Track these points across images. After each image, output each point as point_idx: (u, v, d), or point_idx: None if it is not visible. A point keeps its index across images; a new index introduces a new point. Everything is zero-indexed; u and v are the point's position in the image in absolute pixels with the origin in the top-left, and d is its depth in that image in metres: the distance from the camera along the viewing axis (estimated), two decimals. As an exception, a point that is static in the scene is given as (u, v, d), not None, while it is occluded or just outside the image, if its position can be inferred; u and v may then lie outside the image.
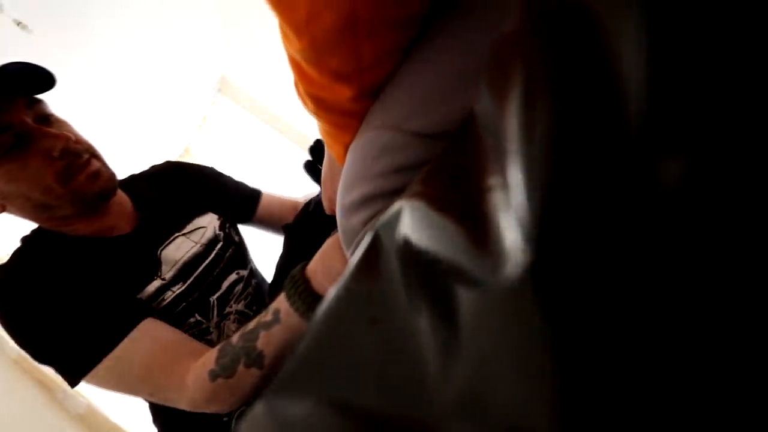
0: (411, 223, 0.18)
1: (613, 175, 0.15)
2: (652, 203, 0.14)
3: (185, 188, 0.89)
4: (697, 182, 0.14)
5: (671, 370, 0.14)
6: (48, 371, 1.83)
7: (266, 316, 0.64)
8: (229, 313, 0.82)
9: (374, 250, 0.19)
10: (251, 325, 0.65)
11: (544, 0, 0.17)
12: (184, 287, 0.77)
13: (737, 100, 0.13)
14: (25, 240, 0.74)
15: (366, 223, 0.42)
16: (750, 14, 0.12)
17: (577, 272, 0.15)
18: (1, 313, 0.66)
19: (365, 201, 0.41)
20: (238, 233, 0.94)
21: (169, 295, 0.75)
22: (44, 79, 0.69)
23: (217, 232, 0.87)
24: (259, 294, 0.90)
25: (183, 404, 0.67)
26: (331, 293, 0.22)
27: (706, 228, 0.13)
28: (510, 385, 0.15)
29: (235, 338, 0.65)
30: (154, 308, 0.74)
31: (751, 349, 0.13)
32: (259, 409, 0.21)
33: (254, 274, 0.93)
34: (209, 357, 0.66)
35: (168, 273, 0.76)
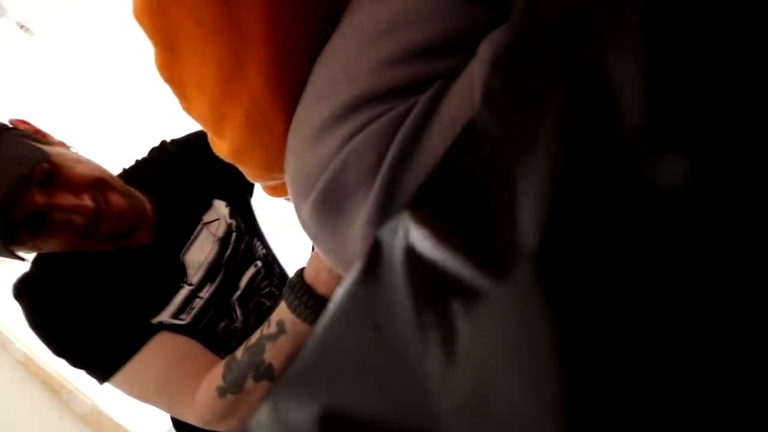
0: (415, 231, 0.18)
1: (615, 179, 0.15)
2: (653, 207, 0.14)
3: (190, 177, 0.81)
4: (694, 185, 0.14)
5: (675, 373, 0.14)
6: (53, 372, 1.84)
7: (269, 327, 0.62)
8: (252, 308, 0.80)
9: (376, 256, 0.20)
10: (254, 338, 0.64)
11: (544, 11, 0.17)
12: (212, 289, 0.75)
13: (734, 103, 0.13)
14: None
15: (344, 143, 0.30)
16: (742, 20, 0.13)
17: (583, 275, 0.15)
18: (32, 321, 0.65)
19: (348, 110, 0.30)
20: (248, 217, 0.88)
21: (198, 303, 0.73)
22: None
23: (229, 221, 0.81)
24: (279, 281, 0.87)
25: (193, 421, 0.67)
26: (335, 298, 0.22)
27: (706, 232, 0.14)
28: (513, 389, 0.16)
29: (239, 353, 0.64)
30: (179, 324, 0.71)
31: (755, 351, 0.13)
32: (264, 413, 0.21)
33: (270, 258, 0.88)
34: (215, 373, 0.64)
35: (194, 277, 0.74)
